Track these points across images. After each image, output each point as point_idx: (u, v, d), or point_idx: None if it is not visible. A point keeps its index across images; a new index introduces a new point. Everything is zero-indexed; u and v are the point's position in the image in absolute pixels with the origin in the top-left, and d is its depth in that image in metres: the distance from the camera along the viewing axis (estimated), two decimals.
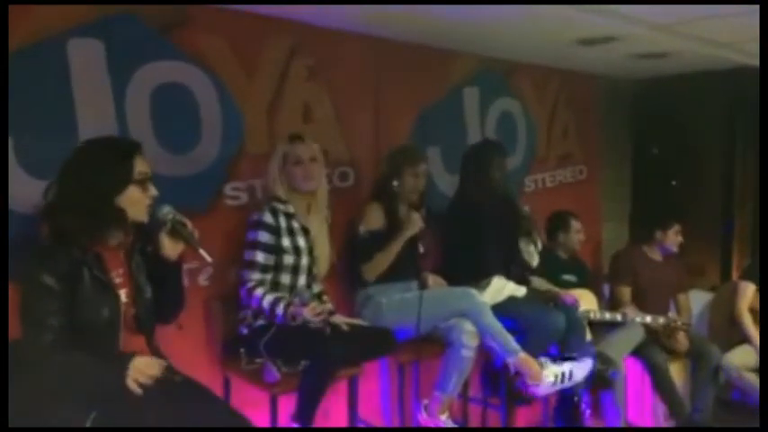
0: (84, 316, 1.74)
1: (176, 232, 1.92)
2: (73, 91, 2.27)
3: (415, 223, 2.79)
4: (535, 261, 3.26)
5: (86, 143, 1.88)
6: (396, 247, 2.78)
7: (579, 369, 2.83)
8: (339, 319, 2.48)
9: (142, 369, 1.69)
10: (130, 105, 2.41)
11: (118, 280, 1.85)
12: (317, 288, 2.64)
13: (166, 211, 1.92)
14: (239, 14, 2.64)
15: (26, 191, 2.10)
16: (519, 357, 2.71)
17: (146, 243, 1.94)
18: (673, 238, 3.70)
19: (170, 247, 1.93)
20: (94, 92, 2.33)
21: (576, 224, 3.68)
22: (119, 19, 2.36)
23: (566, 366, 2.79)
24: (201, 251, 1.92)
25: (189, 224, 1.94)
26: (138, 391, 1.66)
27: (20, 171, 2.16)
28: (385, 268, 2.79)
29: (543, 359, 2.80)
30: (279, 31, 2.80)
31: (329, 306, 2.58)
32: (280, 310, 2.37)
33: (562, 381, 2.77)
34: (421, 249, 2.83)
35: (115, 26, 2.35)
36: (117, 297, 1.82)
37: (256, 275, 2.43)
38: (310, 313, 2.35)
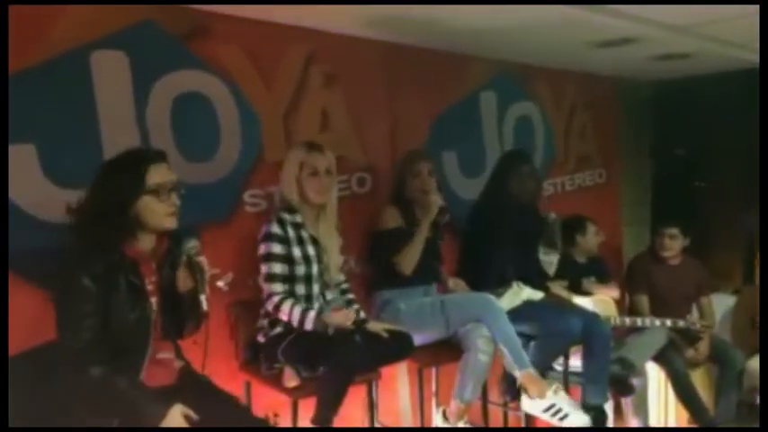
0: (118, 319, 1.78)
1: (191, 269, 1.92)
2: (96, 101, 2.31)
3: (433, 205, 2.81)
4: (552, 270, 3.25)
5: (112, 158, 1.90)
6: (421, 236, 2.80)
7: (575, 418, 2.67)
8: (377, 327, 2.48)
9: (179, 422, 1.72)
10: (151, 114, 2.44)
11: (150, 287, 1.89)
12: (330, 295, 2.58)
13: (190, 246, 1.91)
14: (257, 23, 2.67)
15: (52, 200, 2.15)
16: (526, 372, 2.69)
17: (177, 257, 1.94)
18: (660, 242, 3.64)
19: (183, 280, 1.93)
20: (117, 102, 2.36)
21: (591, 226, 3.64)
22: (141, 28, 2.39)
23: (567, 406, 2.68)
24: (202, 297, 1.89)
25: (206, 268, 1.92)
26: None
27: (46, 181, 2.20)
28: (418, 258, 2.79)
29: (557, 385, 2.76)
30: (296, 39, 2.83)
31: (362, 315, 2.58)
32: (310, 319, 2.35)
33: (553, 414, 2.68)
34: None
35: (138, 36, 2.38)
36: (149, 303, 1.87)
37: (279, 287, 2.41)
38: (343, 318, 2.35)
